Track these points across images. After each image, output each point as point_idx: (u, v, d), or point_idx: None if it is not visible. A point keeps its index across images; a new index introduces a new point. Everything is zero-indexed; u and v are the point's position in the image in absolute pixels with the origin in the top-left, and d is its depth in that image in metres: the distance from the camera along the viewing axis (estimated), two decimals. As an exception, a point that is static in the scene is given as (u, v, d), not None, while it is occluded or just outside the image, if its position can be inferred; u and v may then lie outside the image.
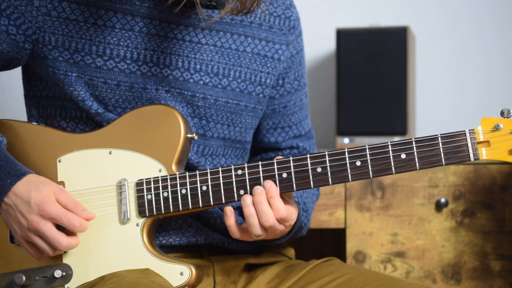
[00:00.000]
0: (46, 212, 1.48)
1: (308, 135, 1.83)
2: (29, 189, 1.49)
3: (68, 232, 1.52)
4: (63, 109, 1.63)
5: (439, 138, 1.44)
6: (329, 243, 2.54)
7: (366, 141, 2.22)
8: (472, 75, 2.53)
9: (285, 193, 1.51)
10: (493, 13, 2.53)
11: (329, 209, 2.11)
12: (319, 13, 2.55)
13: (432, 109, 2.53)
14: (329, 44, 2.53)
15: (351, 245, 2.10)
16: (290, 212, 1.52)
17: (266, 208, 1.48)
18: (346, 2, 2.56)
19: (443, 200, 2.08)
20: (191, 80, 1.61)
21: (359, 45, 2.23)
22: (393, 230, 2.09)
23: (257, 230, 1.50)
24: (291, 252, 1.79)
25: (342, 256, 2.11)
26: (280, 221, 1.50)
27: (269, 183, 1.49)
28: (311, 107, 2.47)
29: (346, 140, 2.23)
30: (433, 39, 2.53)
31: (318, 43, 2.54)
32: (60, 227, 1.51)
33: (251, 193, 1.50)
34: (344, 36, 2.24)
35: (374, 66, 2.22)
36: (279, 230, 1.52)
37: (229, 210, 1.52)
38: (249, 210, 1.49)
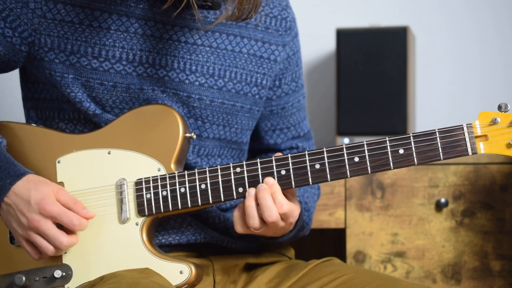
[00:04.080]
0: (46, 211, 1.48)
1: (307, 136, 1.83)
2: (28, 188, 1.49)
3: (67, 230, 1.52)
4: (61, 111, 1.63)
5: (437, 132, 1.44)
6: (329, 243, 2.53)
7: (366, 141, 2.22)
8: (472, 75, 2.53)
9: (288, 190, 1.51)
10: (493, 13, 2.53)
11: (329, 209, 2.11)
12: (319, 13, 2.55)
13: (432, 109, 2.53)
14: (329, 44, 2.53)
15: (351, 245, 2.10)
16: (292, 208, 1.52)
17: (270, 203, 1.48)
18: (346, 2, 2.56)
19: (443, 200, 2.07)
20: (187, 81, 1.61)
21: (359, 45, 2.23)
22: (393, 230, 2.09)
23: (254, 222, 1.49)
24: (291, 252, 1.79)
25: (342, 256, 2.10)
26: (283, 216, 1.50)
27: (271, 179, 1.49)
28: (311, 107, 2.48)
29: (346, 140, 2.23)
30: (433, 39, 2.53)
31: (318, 43, 2.54)
32: (59, 226, 1.51)
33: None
34: (344, 36, 2.23)
35: (374, 66, 2.22)
36: (280, 226, 1.51)
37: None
38: (249, 201, 1.49)
